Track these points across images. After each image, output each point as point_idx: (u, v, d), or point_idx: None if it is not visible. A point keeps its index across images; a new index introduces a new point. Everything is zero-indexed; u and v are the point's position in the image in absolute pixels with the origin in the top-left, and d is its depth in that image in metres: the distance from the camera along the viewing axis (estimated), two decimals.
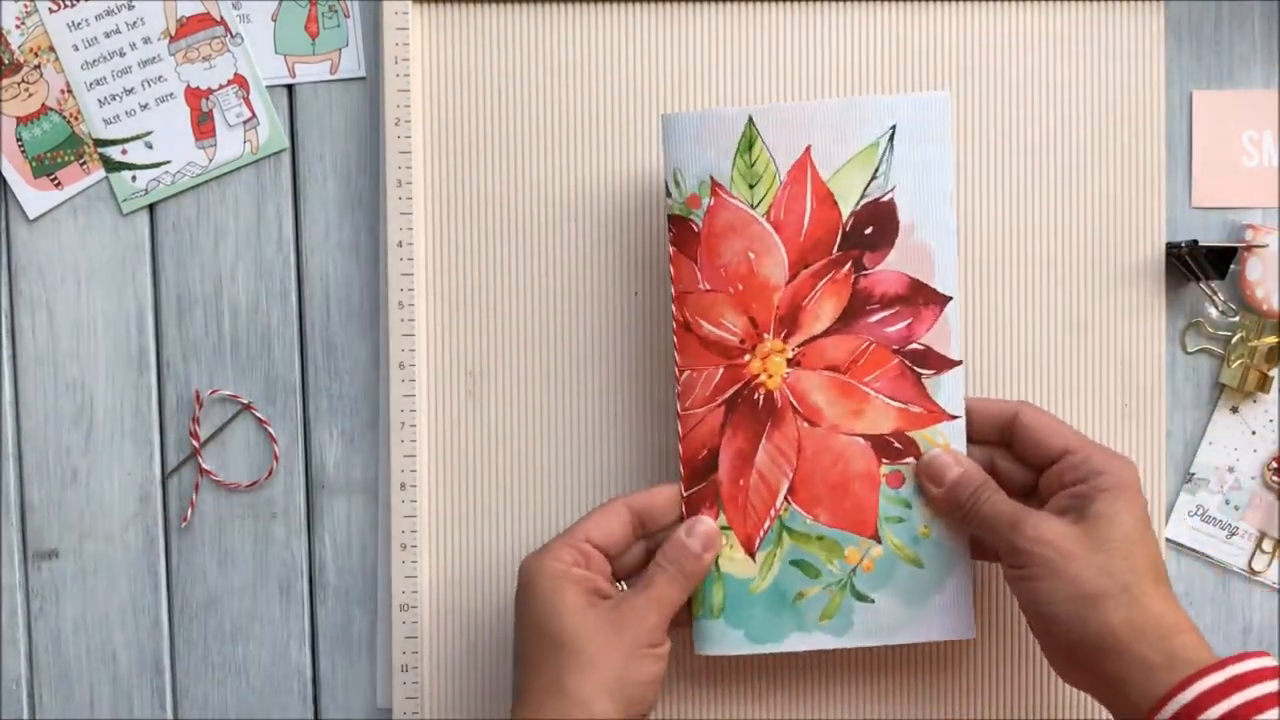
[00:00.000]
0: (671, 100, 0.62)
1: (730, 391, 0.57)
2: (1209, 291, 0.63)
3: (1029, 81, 0.62)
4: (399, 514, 0.62)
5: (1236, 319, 0.63)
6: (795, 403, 0.57)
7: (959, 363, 0.57)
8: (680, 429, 0.58)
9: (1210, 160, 0.63)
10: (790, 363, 0.57)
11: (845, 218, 0.57)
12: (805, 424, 0.57)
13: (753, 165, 0.57)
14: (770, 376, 0.57)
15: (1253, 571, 0.63)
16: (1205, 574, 0.64)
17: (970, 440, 0.57)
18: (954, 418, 0.57)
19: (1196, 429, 0.63)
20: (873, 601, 0.57)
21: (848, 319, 0.57)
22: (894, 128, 0.56)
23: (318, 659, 0.64)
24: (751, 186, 0.57)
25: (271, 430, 0.63)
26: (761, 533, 0.57)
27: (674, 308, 0.58)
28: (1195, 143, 0.63)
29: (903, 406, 0.57)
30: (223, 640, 0.64)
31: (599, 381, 0.62)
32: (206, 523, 0.63)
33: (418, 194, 0.62)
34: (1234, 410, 0.63)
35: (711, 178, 0.57)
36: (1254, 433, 0.63)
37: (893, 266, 0.57)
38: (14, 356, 0.63)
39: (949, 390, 0.57)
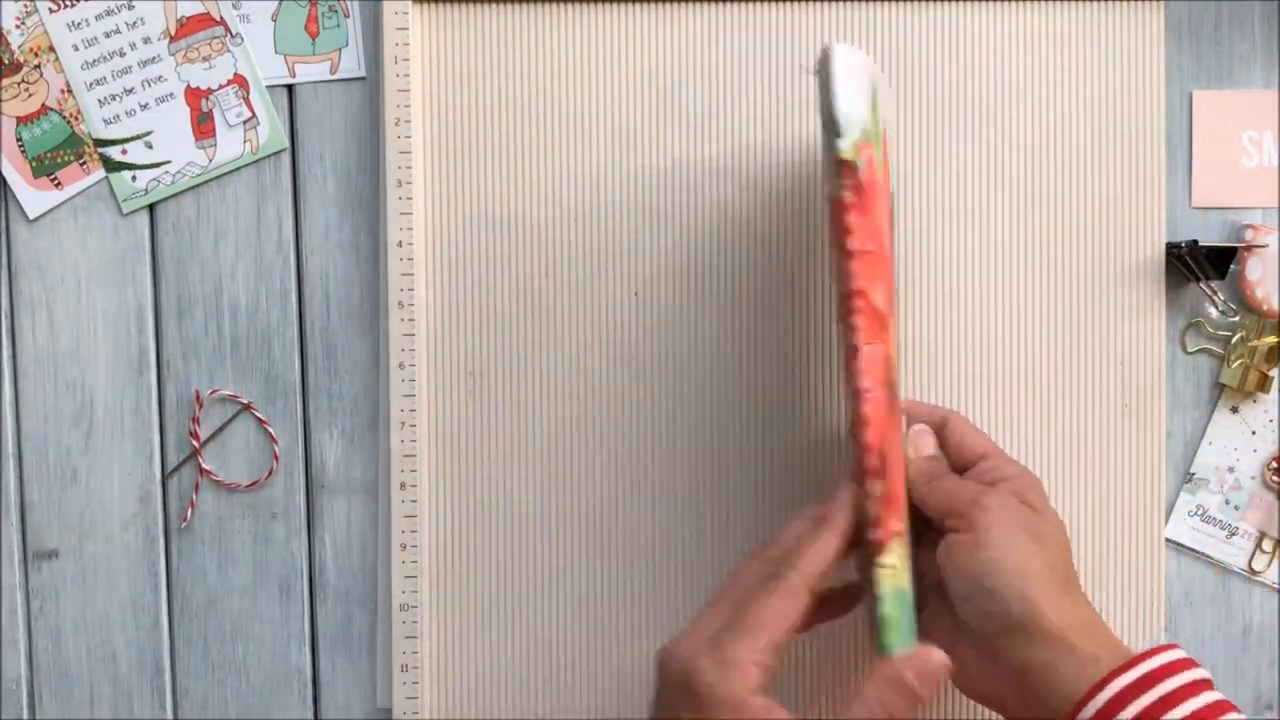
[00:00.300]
0: (671, 100, 0.62)
1: (887, 373, 0.50)
2: (1209, 291, 0.63)
3: (1029, 81, 0.62)
4: (399, 514, 0.62)
5: (1236, 319, 0.63)
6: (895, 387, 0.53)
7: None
8: (863, 414, 0.49)
9: (1210, 160, 0.63)
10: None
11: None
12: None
13: (875, 127, 0.50)
14: (896, 356, 0.52)
15: (1253, 571, 0.63)
16: (1205, 574, 0.64)
17: None
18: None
19: (1196, 429, 0.63)
20: None
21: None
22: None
23: (318, 659, 0.64)
24: (875, 145, 0.50)
25: (271, 430, 0.63)
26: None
27: (852, 267, 0.48)
28: (1195, 143, 0.63)
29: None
30: (223, 640, 0.64)
31: (599, 381, 0.62)
32: (206, 523, 0.63)
33: (418, 194, 0.62)
34: (1234, 410, 0.63)
35: (865, 130, 0.48)
36: (1254, 433, 0.63)
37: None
38: (14, 356, 0.63)
39: None
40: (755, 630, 0.47)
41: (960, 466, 0.56)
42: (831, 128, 0.47)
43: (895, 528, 0.50)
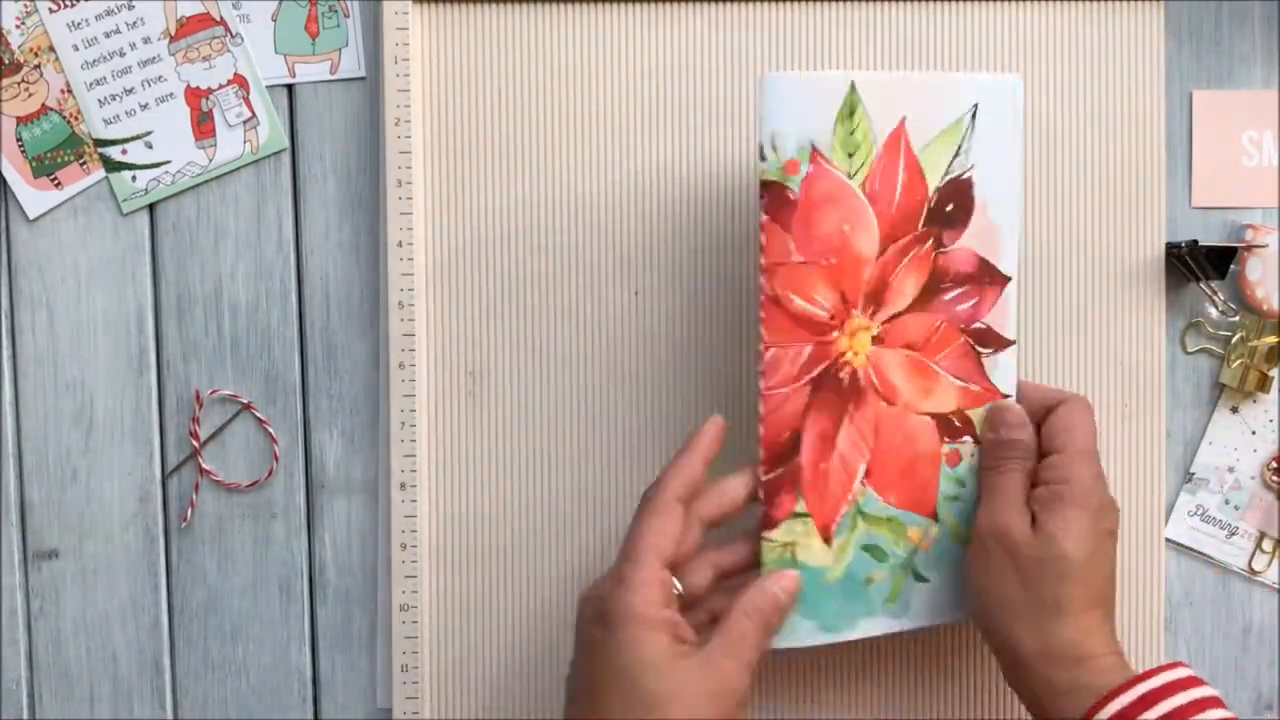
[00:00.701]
0: (671, 99, 0.62)
1: (817, 370, 0.55)
2: (1209, 291, 0.63)
3: (1029, 81, 0.62)
4: (399, 514, 0.62)
5: (1236, 319, 0.63)
6: (877, 382, 0.56)
7: (1014, 342, 0.57)
8: (763, 409, 0.55)
9: (1210, 160, 0.63)
10: (874, 340, 0.56)
11: (931, 193, 0.56)
12: (883, 404, 0.56)
13: (852, 133, 0.55)
14: (856, 355, 0.56)
15: (1253, 571, 0.63)
16: (1205, 574, 0.64)
17: None
18: (1005, 396, 0.57)
19: (1196, 429, 0.63)
20: (928, 581, 0.57)
21: (926, 296, 0.56)
22: (976, 106, 0.56)
23: (318, 659, 0.64)
24: (850, 155, 0.55)
25: (271, 430, 0.63)
26: (838, 518, 0.56)
27: (763, 279, 0.54)
28: (1195, 143, 0.63)
29: (964, 385, 0.57)
30: (223, 640, 0.64)
31: (599, 381, 0.62)
32: (206, 523, 0.63)
33: (418, 194, 0.62)
34: (1234, 410, 0.63)
35: (812, 144, 0.54)
36: (1254, 433, 0.63)
37: (966, 244, 0.56)
38: (14, 356, 0.63)
39: (1004, 369, 0.57)
40: (642, 553, 0.51)
41: (1044, 454, 0.55)
42: (759, 150, 0.54)
43: (791, 508, 0.55)
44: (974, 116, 0.56)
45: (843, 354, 0.55)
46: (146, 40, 0.62)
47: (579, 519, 0.62)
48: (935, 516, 0.57)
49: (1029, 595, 0.51)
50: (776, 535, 0.55)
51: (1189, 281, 0.62)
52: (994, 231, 0.57)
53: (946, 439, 0.57)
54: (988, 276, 0.57)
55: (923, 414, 0.56)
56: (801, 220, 0.54)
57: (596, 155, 0.62)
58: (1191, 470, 0.63)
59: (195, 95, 0.63)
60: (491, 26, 0.62)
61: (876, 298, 0.55)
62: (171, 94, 0.63)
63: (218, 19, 0.62)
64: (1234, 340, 0.62)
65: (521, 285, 0.62)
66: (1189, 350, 0.63)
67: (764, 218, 0.54)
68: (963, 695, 0.62)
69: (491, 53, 0.62)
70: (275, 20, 0.63)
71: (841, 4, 0.62)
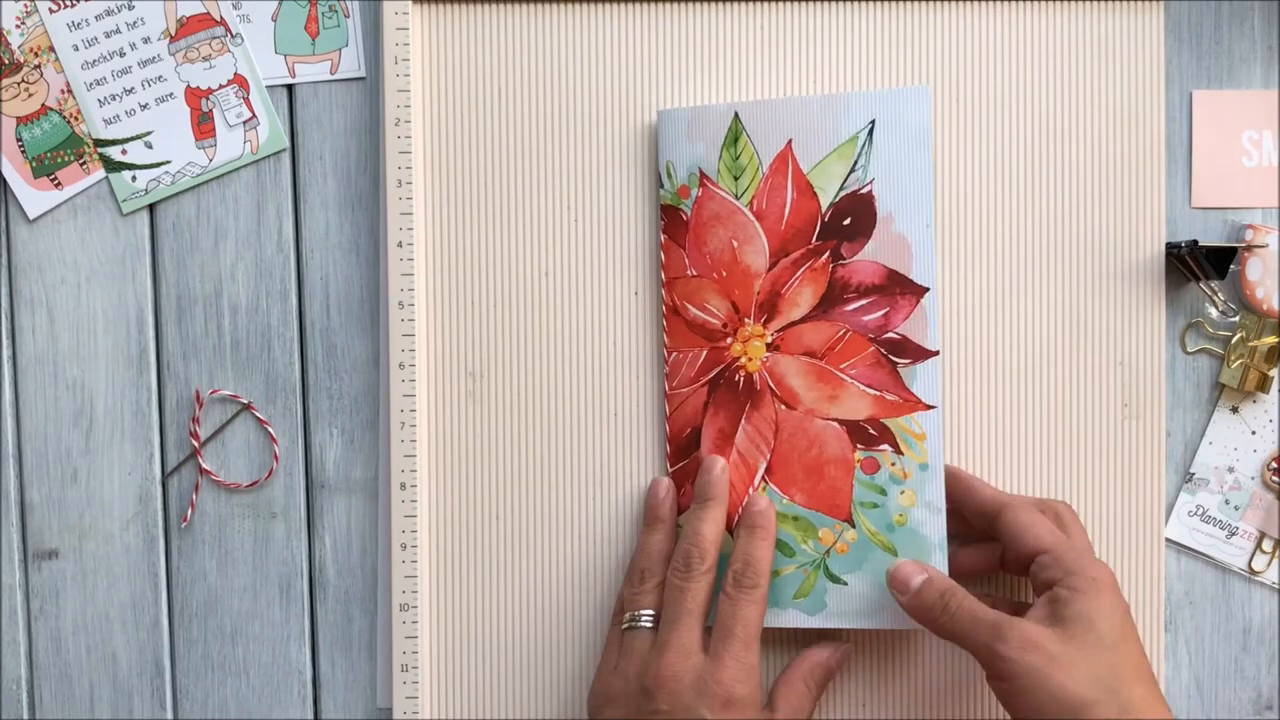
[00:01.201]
0: (670, 99, 0.62)
1: (713, 373, 0.60)
2: (1209, 291, 0.63)
3: (1029, 81, 0.62)
4: (399, 514, 0.62)
5: (1236, 319, 0.63)
6: (773, 385, 0.59)
7: (936, 353, 0.58)
8: (667, 408, 0.61)
9: (1210, 160, 0.63)
10: (769, 347, 0.59)
11: (824, 209, 0.59)
12: (782, 406, 0.59)
13: (737, 158, 0.59)
14: (750, 360, 0.59)
15: (1253, 571, 0.63)
16: (1205, 574, 0.64)
17: (968, 525, 0.59)
18: (930, 407, 0.58)
19: (1196, 429, 0.63)
20: (846, 584, 0.59)
21: (826, 306, 0.59)
22: (873, 122, 0.58)
23: (318, 659, 0.64)
24: (736, 178, 0.60)
25: (271, 430, 0.63)
26: (739, 511, 0.59)
27: (664, 292, 0.61)
28: (1195, 143, 0.63)
29: (878, 394, 0.58)
30: (223, 640, 0.64)
31: (599, 381, 0.62)
32: (206, 523, 0.63)
33: (418, 194, 0.62)
34: (1234, 410, 0.63)
35: (700, 170, 0.60)
36: (1254, 433, 0.63)
37: (870, 257, 0.58)
38: (14, 356, 0.63)
39: (925, 380, 0.58)
40: (737, 635, 0.56)
41: (1019, 562, 0.56)
42: (658, 177, 0.61)
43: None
44: (870, 132, 0.58)
45: (735, 359, 0.60)
46: (146, 40, 0.62)
47: (579, 519, 0.62)
48: (850, 520, 0.59)
49: (1094, 687, 0.50)
50: (683, 520, 0.59)
51: (1189, 281, 0.62)
52: (902, 243, 0.58)
53: (860, 446, 0.58)
54: (898, 287, 0.58)
55: (830, 419, 0.59)
56: (693, 238, 0.60)
57: (596, 155, 0.62)
58: (1191, 470, 0.63)
59: (195, 95, 0.63)
60: (491, 26, 0.62)
61: (770, 307, 0.59)
62: (171, 94, 0.63)
63: (218, 19, 0.62)
64: (1234, 340, 0.62)
65: (521, 285, 0.62)
66: (1189, 350, 0.63)
67: (663, 237, 0.61)
68: (961, 695, 0.62)
69: (491, 53, 0.62)
70: (275, 20, 0.63)
71: (838, 4, 0.62)
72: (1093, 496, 0.62)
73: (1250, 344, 0.62)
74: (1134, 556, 0.62)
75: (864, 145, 0.58)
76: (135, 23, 0.62)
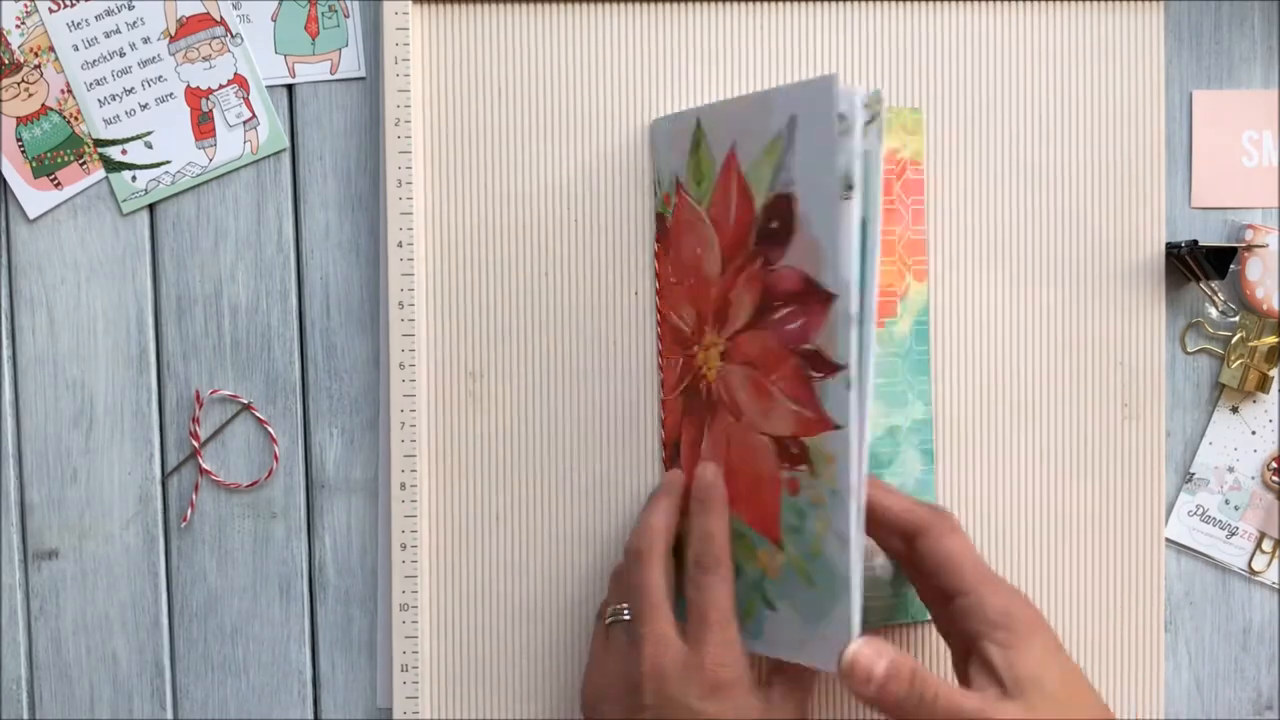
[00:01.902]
0: (671, 99, 0.62)
1: (686, 381, 0.59)
2: (1209, 291, 0.63)
3: (1029, 82, 0.62)
4: (399, 514, 0.62)
5: (1236, 319, 0.63)
6: (725, 396, 0.56)
7: (842, 367, 0.50)
8: (663, 413, 0.61)
9: (1210, 160, 0.63)
10: (723, 356, 0.56)
11: (758, 212, 0.53)
12: (731, 418, 0.56)
13: (699, 164, 0.58)
14: (710, 369, 0.57)
15: (1253, 571, 0.63)
16: (1205, 574, 0.64)
17: (874, 533, 0.56)
18: (838, 426, 0.50)
19: (1196, 429, 0.63)
20: (777, 610, 0.54)
21: (760, 315, 0.54)
22: (794, 118, 0.51)
23: (318, 659, 0.64)
24: (699, 184, 0.58)
25: (271, 430, 0.63)
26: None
27: (658, 300, 0.61)
28: (1195, 143, 0.63)
29: (798, 410, 0.52)
30: (223, 640, 0.64)
31: (599, 381, 0.62)
32: (206, 523, 0.63)
33: (418, 194, 0.62)
34: (1234, 410, 0.63)
35: (676, 177, 0.59)
36: (1254, 433, 0.63)
37: (791, 262, 0.52)
38: (14, 356, 0.63)
39: (836, 397, 0.50)
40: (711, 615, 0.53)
41: (940, 595, 0.54)
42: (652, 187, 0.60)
43: None
44: (791, 130, 0.51)
45: (700, 368, 0.58)
46: (146, 40, 0.62)
47: (579, 519, 0.62)
48: (779, 544, 0.53)
49: None
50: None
51: (1189, 281, 0.62)
52: (815, 248, 0.50)
53: (786, 465, 0.53)
54: (813, 295, 0.51)
55: (763, 434, 0.54)
56: (673, 246, 0.60)
57: (597, 155, 0.62)
58: (1191, 470, 0.63)
59: (195, 95, 0.63)
60: (491, 26, 0.62)
61: (721, 315, 0.56)
62: (171, 94, 0.63)
63: (218, 19, 0.62)
64: (1234, 340, 0.62)
65: (521, 285, 0.62)
66: (1189, 350, 0.63)
67: (655, 245, 0.61)
68: None
69: (491, 53, 0.62)
70: (275, 20, 0.63)
71: (839, 5, 0.62)
72: (1093, 496, 0.62)
73: (1250, 344, 0.62)
74: (1134, 556, 0.62)
75: (786, 144, 0.51)
76: (135, 23, 0.62)
